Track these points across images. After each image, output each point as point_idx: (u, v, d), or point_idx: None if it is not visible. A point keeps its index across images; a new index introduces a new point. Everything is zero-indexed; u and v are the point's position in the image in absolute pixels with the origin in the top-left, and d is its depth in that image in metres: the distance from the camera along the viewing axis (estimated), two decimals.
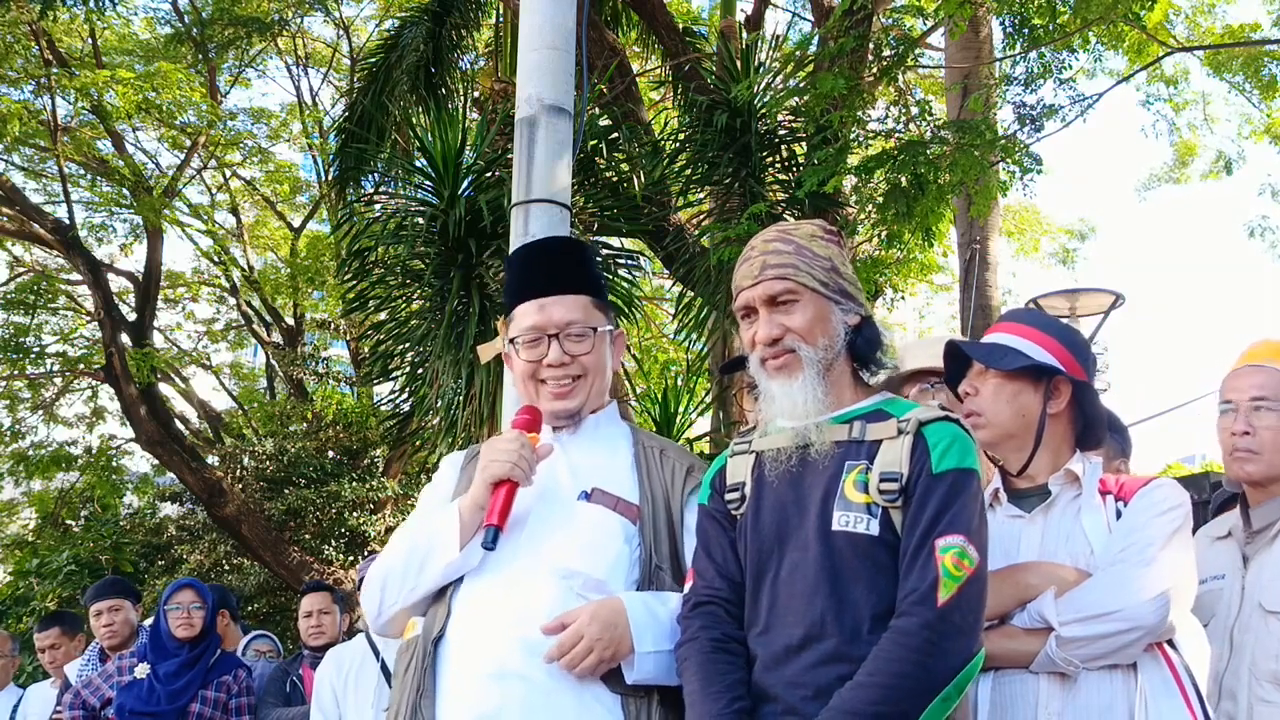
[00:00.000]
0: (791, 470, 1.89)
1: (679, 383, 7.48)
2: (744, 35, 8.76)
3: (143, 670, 4.20)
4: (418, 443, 6.78)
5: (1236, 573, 2.38)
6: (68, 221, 11.34)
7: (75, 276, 12.99)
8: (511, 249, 3.67)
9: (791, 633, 1.79)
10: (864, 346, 1.94)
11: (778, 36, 8.99)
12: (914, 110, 6.77)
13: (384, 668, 4.30)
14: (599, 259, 7.00)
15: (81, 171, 12.95)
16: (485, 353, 4.09)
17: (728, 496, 1.96)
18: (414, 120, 8.50)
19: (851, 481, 1.81)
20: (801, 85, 6.73)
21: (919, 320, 17.25)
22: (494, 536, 1.93)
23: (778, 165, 7.23)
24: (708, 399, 8.09)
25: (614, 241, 7.09)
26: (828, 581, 1.77)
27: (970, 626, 1.71)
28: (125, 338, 11.32)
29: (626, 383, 7.37)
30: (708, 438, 7.70)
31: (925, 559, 1.72)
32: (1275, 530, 2.33)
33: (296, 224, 15.58)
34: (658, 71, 10.09)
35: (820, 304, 1.92)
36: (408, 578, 2.04)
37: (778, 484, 1.90)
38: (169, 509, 12.93)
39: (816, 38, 7.60)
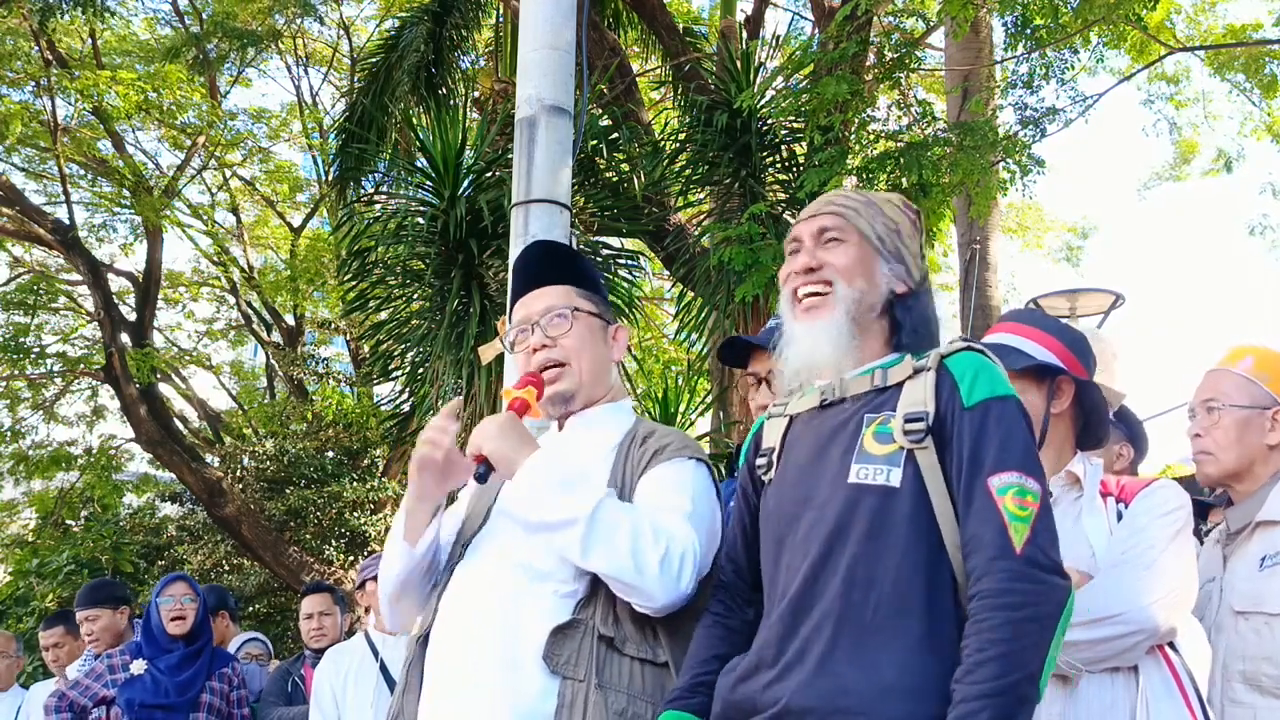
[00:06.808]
0: (816, 430, 1.81)
1: (679, 383, 7.47)
2: (744, 36, 8.76)
3: (139, 666, 4.16)
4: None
5: (1220, 574, 2.40)
6: (68, 222, 11.34)
7: (75, 276, 12.98)
8: (512, 249, 3.67)
9: (801, 596, 1.70)
10: (903, 316, 1.82)
11: (778, 37, 8.99)
12: (915, 111, 6.77)
13: (383, 667, 4.29)
14: (598, 259, 7.03)
15: (81, 172, 12.95)
16: (486, 353, 4.09)
17: (758, 461, 1.91)
18: (414, 120, 8.51)
19: (871, 434, 1.71)
20: (803, 86, 6.73)
21: None
22: (484, 472, 1.97)
23: (778, 165, 7.23)
24: (708, 399, 8.09)
25: (614, 241, 7.10)
26: (841, 540, 1.67)
27: (1056, 561, 1.59)
28: (125, 338, 11.32)
29: (627, 383, 7.36)
30: (708, 438, 7.69)
31: (982, 506, 1.60)
32: (1247, 531, 2.34)
33: (296, 224, 15.56)
34: (658, 71, 10.09)
35: (867, 250, 1.83)
36: (383, 571, 2.13)
37: (802, 446, 1.82)
38: (169, 509, 12.93)
39: (816, 41, 7.60)
